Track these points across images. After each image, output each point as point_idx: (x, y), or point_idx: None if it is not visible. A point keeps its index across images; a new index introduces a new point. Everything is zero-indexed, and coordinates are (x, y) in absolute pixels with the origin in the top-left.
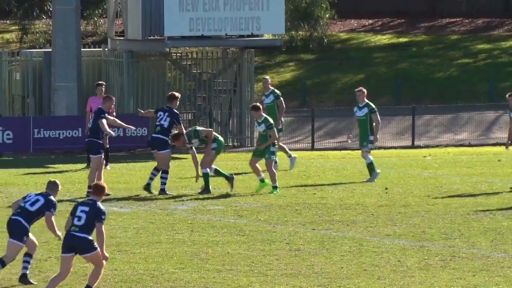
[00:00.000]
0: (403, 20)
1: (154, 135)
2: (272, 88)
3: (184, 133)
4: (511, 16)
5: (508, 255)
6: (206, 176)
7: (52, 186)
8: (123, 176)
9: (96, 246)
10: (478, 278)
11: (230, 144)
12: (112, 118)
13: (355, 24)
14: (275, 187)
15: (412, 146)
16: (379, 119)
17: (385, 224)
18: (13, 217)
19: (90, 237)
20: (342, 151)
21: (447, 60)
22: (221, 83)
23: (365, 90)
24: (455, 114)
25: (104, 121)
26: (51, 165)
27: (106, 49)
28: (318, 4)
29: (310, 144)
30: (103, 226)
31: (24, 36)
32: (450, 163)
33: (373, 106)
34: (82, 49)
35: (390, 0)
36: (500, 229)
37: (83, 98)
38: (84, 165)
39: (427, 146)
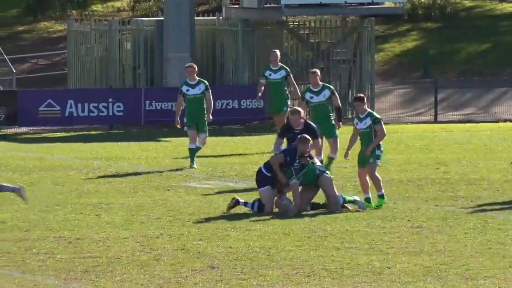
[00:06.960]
0: None
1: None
2: (280, 64)
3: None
4: None
5: None
6: None
7: None
8: (237, 149)
9: None
10: None
11: (350, 116)
12: None
13: None
14: (381, 196)
15: None
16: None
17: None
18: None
19: None
20: (467, 124)
21: None
22: (340, 53)
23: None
24: None
25: None
26: (164, 139)
27: (221, 17)
28: None
29: (433, 117)
30: None
31: (136, 4)
32: None
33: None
34: (195, 18)
35: None
36: None
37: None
38: None
39: None
